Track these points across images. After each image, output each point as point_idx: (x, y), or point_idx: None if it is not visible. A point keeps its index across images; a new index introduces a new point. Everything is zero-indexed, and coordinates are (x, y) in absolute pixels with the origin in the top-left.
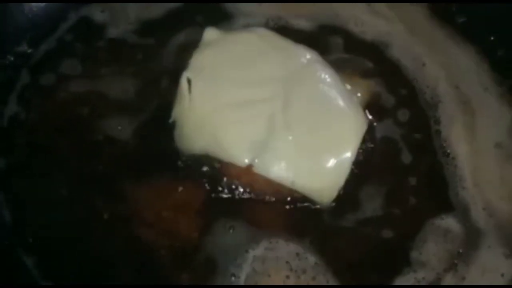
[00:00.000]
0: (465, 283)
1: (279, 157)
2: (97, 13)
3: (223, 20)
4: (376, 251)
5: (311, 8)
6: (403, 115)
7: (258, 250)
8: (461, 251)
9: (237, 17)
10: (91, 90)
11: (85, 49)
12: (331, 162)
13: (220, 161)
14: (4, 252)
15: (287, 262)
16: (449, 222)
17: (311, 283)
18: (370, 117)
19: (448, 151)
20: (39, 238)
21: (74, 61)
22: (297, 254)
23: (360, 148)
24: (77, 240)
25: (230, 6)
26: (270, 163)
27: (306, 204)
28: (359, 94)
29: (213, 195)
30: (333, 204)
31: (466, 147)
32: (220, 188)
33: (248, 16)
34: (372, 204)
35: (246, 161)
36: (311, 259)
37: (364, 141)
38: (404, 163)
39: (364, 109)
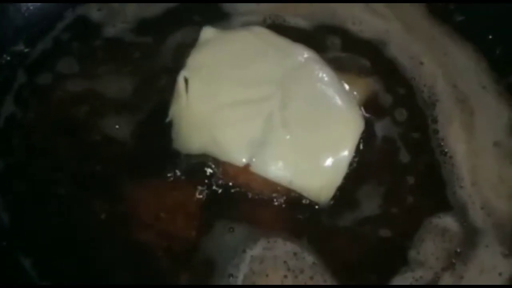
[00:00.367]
0: (463, 282)
1: (276, 156)
2: (94, 12)
3: (220, 19)
4: (373, 250)
5: (309, 7)
6: (401, 114)
7: (255, 250)
8: (459, 250)
9: (235, 16)
10: (88, 89)
11: (82, 48)
12: (329, 161)
13: (217, 161)
14: (2, 253)
15: (284, 261)
16: (447, 221)
17: (309, 282)
18: (367, 116)
19: (446, 150)
20: (37, 239)
21: (71, 60)
22: (295, 253)
23: (357, 147)
24: (75, 240)
25: (227, 5)
26: (267, 162)
27: (303, 203)
28: (356, 93)
29: (210, 194)
30: (331, 203)
31: (464, 146)
32: (217, 188)
33: (245, 14)
34: (369, 203)
35: (244, 160)
36: (309, 258)
37: (361, 140)
38: (401, 162)
39: (361, 108)
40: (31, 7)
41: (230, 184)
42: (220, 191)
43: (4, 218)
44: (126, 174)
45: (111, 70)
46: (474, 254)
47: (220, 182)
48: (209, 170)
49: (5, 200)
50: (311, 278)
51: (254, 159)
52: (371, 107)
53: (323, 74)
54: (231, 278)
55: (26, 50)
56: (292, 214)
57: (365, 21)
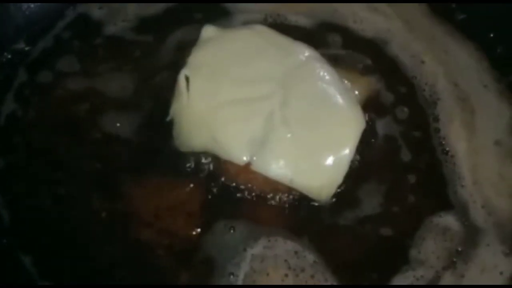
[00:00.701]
0: (464, 281)
1: (277, 155)
2: (95, 10)
3: (221, 17)
4: (374, 249)
5: (310, 5)
6: (402, 112)
7: (256, 249)
8: (460, 249)
9: (235, 14)
10: (88, 88)
11: (83, 46)
12: (330, 160)
13: (218, 159)
14: (2, 251)
15: (285, 260)
16: (448, 220)
17: (310, 281)
18: (368, 114)
19: (447, 148)
20: (37, 237)
21: (71, 58)
22: (296, 252)
23: (358, 145)
24: (75, 239)
25: (228, 3)
26: (268, 161)
27: (304, 202)
28: (357, 92)
29: (211, 193)
30: (332, 202)
31: (465, 144)
32: (218, 186)
33: (246, 13)
34: (370, 202)
35: (245, 159)
36: (310, 257)
37: (362, 138)
38: (402, 160)
39: (362, 107)
40: (32, 6)
41: (231, 182)
42: (220, 189)
43: (4, 216)
44: (126, 173)
45: (112, 69)
46: (475, 253)
47: (221, 180)
48: (209, 169)
49: (5, 198)
50: (312, 276)
51: (255, 158)
52: (372, 106)
53: (324, 73)
54: (231, 277)
55: (27, 48)
56: (293, 212)
57: (366, 20)
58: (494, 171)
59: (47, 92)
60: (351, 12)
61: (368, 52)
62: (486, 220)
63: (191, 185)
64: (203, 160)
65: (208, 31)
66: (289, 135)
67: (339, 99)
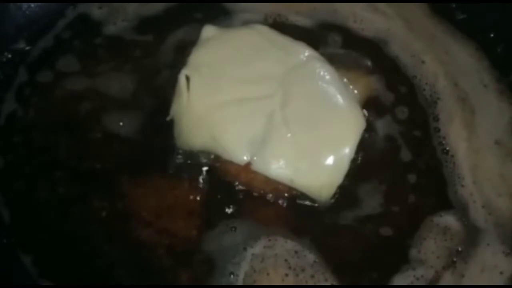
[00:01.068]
0: (464, 281)
1: (277, 154)
2: (95, 9)
3: (221, 17)
4: (374, 249)
5: (310, 5)
6: (402, 112)
7: (256, 248)
8: (460, 249)
9: (236, 14)
10: (88, 87)
11: (83, 46)
12: (330, 160)
13: (218, 159)
14: (2, 251)
15: (285, 260)
16: (448, 219)
17: (310, 281)
18: (368, 114)
19: (447, 148)
20: (37, 237)
21: (71, 58)
22: (296, 252)
23: (358, 145)
24: (76, 238)
25: (228, 3)
26: (268, 160)
27: (304, 201)
28: (357, 92)
29: (211, 193)
30: (332, 201)
31: (465, 144)
32: (218, 186)
33: (246, 12)
34: (370, 202)
35: (245, 158)
36: (310, 257)
37: (362, 138)
38: (402, 160)
39: (362, 106)
40: (32, 5)
41: (231, 182)
42: (221, 189)
43: (5, 215)
44: (126, 172)
45: (112, 68)
46: (475, 253)
47: (221, 180)
48: (210, 169)
49: (6, 198)
50: (312, 276)
51: (255, 158)
52: (372, 106)
53: (324, 73)
54: (232, 276)
55: (27, 48)
56: (293, 212)
57: (366, 19)
58: (494, 171)
59: (47, 91)
60: (351, 12)
61: (368, 52)
62: (486, 219)
63: (191, 185)
64: (203, 160)
65: (208, 31)
66: (289, 135)
67: (339, 99)
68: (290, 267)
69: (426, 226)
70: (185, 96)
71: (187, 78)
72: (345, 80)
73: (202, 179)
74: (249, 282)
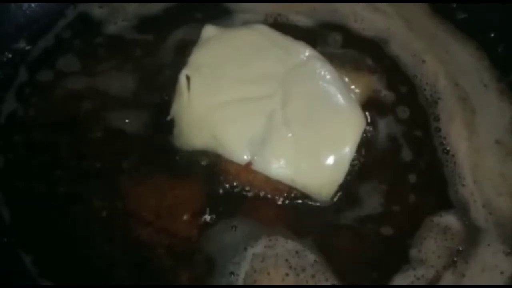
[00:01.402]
0: (465, 280)
1: (278, 154)
2: (95, 9)
3: (222, 17)
4: (375, 249)
5: (310, 5)
6: (403, 112)
7: (257, 248)
8: (460, 248)
9: (236, 14)
10: (89, 87)
11: (83, 45)
12: (330, 159)
13: (219, 159)
14: (2, 251)
15: (286, 260)
16: (449, 219)
17: (310, 281)
18: (369, 113)
19: (448, 148)
20: (37, 237)
21: (72, 57)
22: (297, 252)
23: (359, 145)
24: (76, 238)
25: (229, 3)
26: (269, 160)
27: (305, 201)
28: (358, 91)
29: (212, 192)
30: (333, 201)
31: (466, 144)
32: (219, 186)
33: (247, 12)
34: (371, 201)
35: (245, 158)
36: (311, 256)
37: (363, 138)
38: (403, 160)
39: (363, 106)
40: (33, 5)
41: (232, 182)
42: (221, 189)
43: (5, 214)
44: (127, 172)
45: (112, 68)
46: (475, 253)
47: (222, 180)
48: (210, 168)
49: (6, 197)
50: (313, 276)
51: (255, 157)
52: (373, 105)
53: (325, 72)
54: (232, 276)
55: (27, 47)
56: (294, 212)
57: (367, 19)
58: (495, 171)
59: (47, 91)
60: (352, 12)
61: (369, 51)
62: (486, 219)
63: (192, 185)
64: (204, 160)
65: (209, 30)
66: (289, 135)
67: (340, 99)
68: (290, 267)
69: (427, 225)
70: (186, 96)
71: (188, 78)
72: (345, 79)
73: (202, 179)
74: (249, 282)
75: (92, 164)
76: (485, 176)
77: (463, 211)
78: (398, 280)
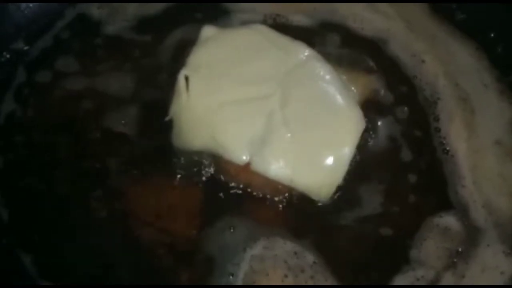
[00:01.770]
0: (465, 281)
1: (277, 154)
2: (94, 9)
3: (221, 17)
4: (374, 249)
5: (310, 5)
6: (402, 112)
7: (256, 249)
8: (460, 249)
9: (235, 14)
10: (87, 87)
11: (82, 46)
12: (329, 160)
13: (218, 159)
14: (2, 251)
15: (285, 261)
16: (448, 220)
17: (310, 282)
18: (368, 114)
19: (448, 148)
20: (37, 237)
21: (71, 58)
22: (295, 252)
23: (358, 145)
24: (75, 238)
25: (227, 3)
26: (268, 160)
27: (304, 201)
28: (357, 91)
29: (211, 193)
30: (332, 202)
31: (466, 144)
32: (218, 186)
33: (246, 12)
34: (370, 202)
35: (244, 158)
36: (310, 257)
37: (362, 138)
38: (403, 160)
39: (362, 106)
40: (31, 5)
41: (231, 182)
42: (220, 189)
43: (4, 215)
44: (126, 172)
45: (111, 68)
46: (475, 253)
47: (221, 180)
48: (209, 169)
49: (5, 197)
50: (312, 277)
51: (254, 158)
52: (372, 105)
53: (324, 72)
54: (231, 277)
55: (26, 48)
56: (293, 212)
57: (366, 19)
58: (495, 171)
59: (46, 91)
60: (351, 12)
61: (369, 51)
62: (486, 220)
63: (191, 185)
64: (203, 160)
65: (208, 31)
66: (289, 135)
67: (339, 99)
68: (289, 268)
69: (426, 226)
70: (185, 96)
71: (187, 78)
72: (345, 79)
73: (202, 179)
74: (248, 282)
75: (91, 164)
76: (484, 177)
77: (462, 211)
78: (398, 281)
